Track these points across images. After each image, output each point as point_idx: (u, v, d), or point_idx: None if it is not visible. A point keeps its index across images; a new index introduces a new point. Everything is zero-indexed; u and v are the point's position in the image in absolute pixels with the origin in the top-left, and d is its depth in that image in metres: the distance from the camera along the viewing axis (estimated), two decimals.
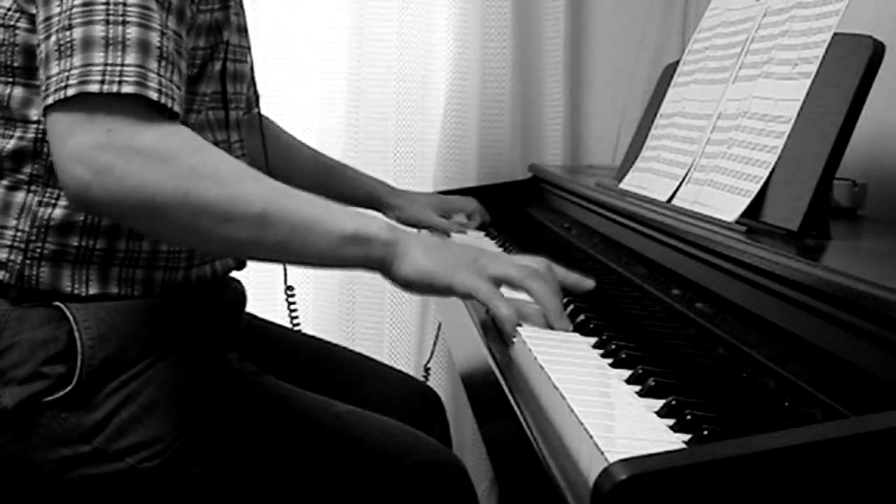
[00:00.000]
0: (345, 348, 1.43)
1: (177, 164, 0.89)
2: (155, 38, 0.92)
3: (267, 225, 0.90)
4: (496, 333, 1.02)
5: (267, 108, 1.49)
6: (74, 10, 0.90)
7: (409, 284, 0.95)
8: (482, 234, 1.62)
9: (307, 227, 0.91)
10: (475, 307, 1.16)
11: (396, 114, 1.96)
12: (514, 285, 0.96)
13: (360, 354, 1.42)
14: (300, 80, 1.99)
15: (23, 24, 0.99)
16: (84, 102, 0.88)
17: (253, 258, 1.15)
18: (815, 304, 0.80)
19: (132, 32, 0.90)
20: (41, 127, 1.01)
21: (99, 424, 1.02)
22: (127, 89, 0.89)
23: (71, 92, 0.88)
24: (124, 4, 0.90)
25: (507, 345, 0.93)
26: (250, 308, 1.28)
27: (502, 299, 0.94)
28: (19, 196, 1.03)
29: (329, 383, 1.28)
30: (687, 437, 0.69)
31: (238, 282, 1.25)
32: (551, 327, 0.96)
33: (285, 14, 1.97)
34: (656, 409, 0.75)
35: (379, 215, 1.57)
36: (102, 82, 0.88)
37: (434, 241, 1.00)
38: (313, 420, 1.08)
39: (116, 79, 0.88)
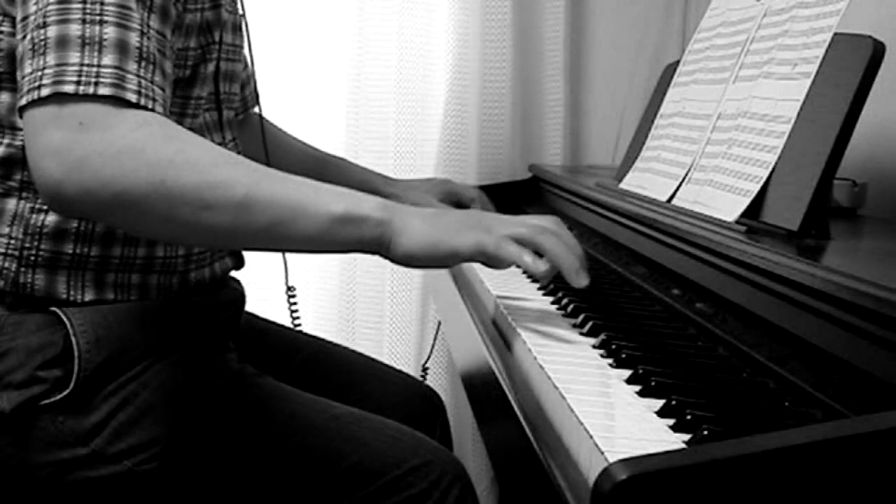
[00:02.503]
0: (345, 348, 1.42)
1: (151, 153, 0.85)
2: (134, 38, 0.89)
3: (250, 210, 0.86)
4: (496, 333, 1.02)
5: (267, 108, 1.49)
6: (50, 7, 0.87)
7: (411, 258, 0.91)
8: None
9: (294, 210, 0.87)
10: (475, 307, 1.16)
11: (396, 114, 1.96)
12: (525, 243, 0.91)
13: (360, 355, 1.42)
14: (300, 80, 1.99)
15: (6, 28, 0.98)
16: (57, 104, 0.85)
17: (242, 247, 1.12)
18: (815, 304, 0.80)
19: (109, 32, 0.87)
20: None
21: (96, 427, 1.01)
22: (103, 91, 0.86)
23: (45, 92, 0.85)
24: (102, 3, 0.88)
25: (513, 338, 0.87)
26: (250, 307, 1.28)
27: (515, 245, 0.89)
28: (11, 203, 1.03)
29: (329, 384, 1.28)
30: (687, 437, 0.69)
31: (237, 282, 1.25)
32: (570, 286, 0.91)
33: (285, 14, 1.97)
34: (656, 409, 0.75)
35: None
36: (78, 83, 0.85)
37: (432, 211, 0.95)
38: (312, 421, 1.07)
39: (93, 80, 0.86)
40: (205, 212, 0.86)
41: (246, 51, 1.27)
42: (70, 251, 1.03)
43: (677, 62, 1.47)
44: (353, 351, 1.43)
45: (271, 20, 1.94)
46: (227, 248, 1.16)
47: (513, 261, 0.90)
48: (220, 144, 1.16)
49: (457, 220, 0.92)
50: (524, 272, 1.29)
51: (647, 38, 2.07)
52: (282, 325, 1.40)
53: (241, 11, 1.21)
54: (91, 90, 0.85)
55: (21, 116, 0.88)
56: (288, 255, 1.44)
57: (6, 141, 1.02)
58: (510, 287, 1.18)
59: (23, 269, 1.02)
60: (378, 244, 0.91)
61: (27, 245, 1.02)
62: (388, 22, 1.95)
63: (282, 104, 1.88)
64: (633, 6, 2.08)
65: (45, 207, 1.02)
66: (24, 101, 0.87)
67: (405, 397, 1.34)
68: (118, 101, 0.87)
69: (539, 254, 0.92)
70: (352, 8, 1.95)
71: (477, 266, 1.28)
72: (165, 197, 0.85)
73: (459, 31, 1.94)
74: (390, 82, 1.96)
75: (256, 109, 1.45)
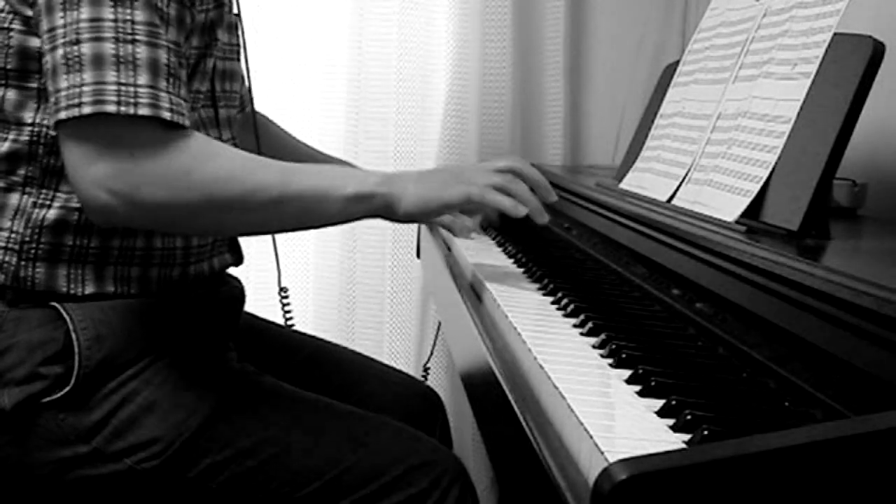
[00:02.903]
0: (345, 348, 1.42)
1: (196, 175, 0.95)
2: (163, 56, 0.95)
3: (284, 205, 1.00)
4: (495, 331, 1.02)
5: (267, 108, 1.49)
6: (82, 24, 0.91)
7: (411, 217, 1.06)
8: (487, 237, 1.61)
9: (317, 198, 1.02)
10: (475, 306, 1.16)
11: (396, 114, 1.96)
12: (501, 189, 1.07)
13: (360, 354, 1.42)
14: (300, 80, 1.99)
15: (16, 25, 0.99)
16: (101, 126, 0.91)
17: (278, 231, 1.25)
18: (815, 304, 0.79)
19: (142, 52, 0.93)
20: (35, 129, 1.01)
21: (97, 425, 1.01)
22: (143, 111, 0.92)
23: (87, 110, 0.90)
24: (132, 22, 0.93)
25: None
26: (249, 308, 1.28)
27: (497, 193, 1.06)
28: (14, 198, 1.03)
29: (329, 384, 1.28)
30: (687, 437, 0.69)
31: (237, 280, 1.25)
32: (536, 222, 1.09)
33: (285, 14, 1.97)
34: (656, 409, 0.75)
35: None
36: (119, 103, 0.91)
37: (420, 173, 1.10)
38: (313, 421, 1.07)
39: (132, 100, 0.92)
40: (248, 213, 1.00)
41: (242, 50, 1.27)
42: (70, 243, 1.03)
43: (677, 62, 1.47)
44: (353, 351, 1.43)
45: (271, 20, 1.94)
46: (266, 234, 1.29)
47: (496, 207, 1.07)
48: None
49: (442, 177, 1.09)
50: (524, 272, 1.29)
51: (647, 38, 2.08)
52: (281, 326, 1.41)
53: (235, 11, 1.21)
54: (132, 111, 0.92)
55: (57, 130, 0.93)
56: (285, 256, 1.44)
57: (11, 136, 1.02)
58: (510, 287, 1.18)
59: (23, 262, 1.03)
60: (384, 212, 1.06)
61: (27, 239, 1.02)
62: (388, 22, 1.95)
63: (282, 104, 1.88)
64: (633, 6, 2.08)
65: (47, 202, 1.02)
66: (63, 116, 0.91)
67: (405, 397, 1.35)
68: (156, 123, 0.94)
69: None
70: (351, 8, 1.95)
71: (477, 265, 1.28)
72: (214, 208, 0.98)
73: (459, 31, 1.94)
74: (390, 82, 1.96)
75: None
